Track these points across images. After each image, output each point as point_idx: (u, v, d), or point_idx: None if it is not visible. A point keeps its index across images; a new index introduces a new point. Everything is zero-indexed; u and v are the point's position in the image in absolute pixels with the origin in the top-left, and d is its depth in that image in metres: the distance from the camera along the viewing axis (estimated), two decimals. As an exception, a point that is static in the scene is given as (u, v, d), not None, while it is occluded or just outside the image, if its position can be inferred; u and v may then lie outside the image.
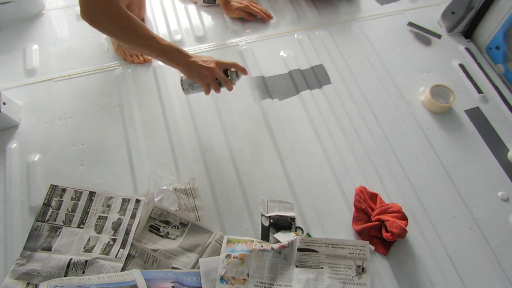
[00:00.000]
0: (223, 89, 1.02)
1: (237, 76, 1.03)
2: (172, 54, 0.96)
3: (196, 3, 1.48)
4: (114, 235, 0.98)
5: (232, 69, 1.02)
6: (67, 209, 1.01)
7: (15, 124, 1.15)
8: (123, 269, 0.93)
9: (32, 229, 0.98)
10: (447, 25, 1.49)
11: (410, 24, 1.48)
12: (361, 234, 1.03)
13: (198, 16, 1.45)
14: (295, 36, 1.43)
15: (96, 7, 0.87)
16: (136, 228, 0.99)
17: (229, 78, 1.01)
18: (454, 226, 1.07)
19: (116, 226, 1.00)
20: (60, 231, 0.98)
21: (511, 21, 1.31)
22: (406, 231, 1.00)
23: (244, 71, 1.03)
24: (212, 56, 1.01)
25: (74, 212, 1.01)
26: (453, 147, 1.21)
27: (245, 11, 1.43)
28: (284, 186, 1.10)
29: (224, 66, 1.00)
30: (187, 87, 1.03)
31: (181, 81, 1.03)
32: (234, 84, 1.03)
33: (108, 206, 1.03)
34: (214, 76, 0.98)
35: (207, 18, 1.45)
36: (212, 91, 1.02)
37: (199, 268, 0.93)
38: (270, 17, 1.48)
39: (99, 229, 0.99)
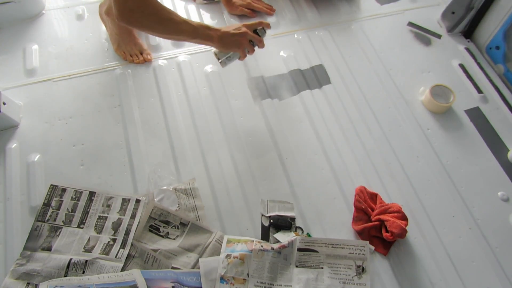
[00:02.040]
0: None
1: (265, 32, 1.08)
2: (205, 33, 0.99)
3: (195, 0, 1.48)
4: (114, 235, 0.98)
5: (259, 27, 1.06)
6: (67, 209, 1.01)
7: (15, 124, 1.15)
8: (123, 269, 0.93)
9: (32, 229, 0.98)
10: (447, 25, 1.49)
11: (410, 24, 1.48)
12: (361, 234, 1.03)
13: (197, 14, 1.45)
14: (295, 36, 1.43)
15: (134, 6, 0.89)
16: (136, 228, 0.99)
17: (260, 36, 1.06)
18: (454, 226, 1.07)
19: (116, 226, 1.00)
20: (60, 231, 0.98)
21: (511, 21, 1.31)
22: (406, 231, 1.00)
23: (268, 25, 1.08)
24: (236, 23, 1.07)
25: (74, 212, 1.01)
26: (453, 147, 1.21)
27: (248, 8, 1.44)
28: (284, 186, 1.10)
29: (252, 27, 1.05)
30: (224, 60, 1.07)
31: (216, 55, 1.06)
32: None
33: (108, 206, 1.03)
34: (248, 40, 1.03)
35: (207, 17, 1.46)
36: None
37: (199, 268, 0.93)
38: (273, 10, 1.49)
39: (99, 229, 0.99)
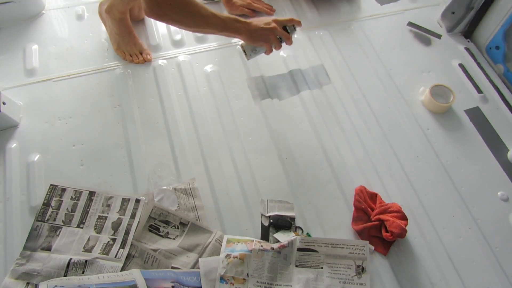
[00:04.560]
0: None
1: (294, 29, 1.06)
2: (233, 26, 0.98)
3: None
4: (114, 235, 0.98)
5: (289, 24, 1.05)
6: (67, 209, 1.01)
7: (15, 124, 1.15)
8: (123, 269, 0.93)
9: (32, 229, 0.98)
10: (447, 25, 1.49)
11: (410, 24, 1.48)
12: (361, 234, 1.03)
13: (198, 16, 1.45)
14: (295, 36, 1.42)
15: (162, 0, 0.89)
16: (136, 228, 0.99)
17: (289, 33, 1.04)
18: (454, 226, 1.07)
19: (116, 226, 1.00)
20: (60, 231, 0.98)
21: (511, 21, 1.31)
22: (406, 231, 1.00)
23: (299, 23, 1.06)
24: (267, 17, 1.05)
25: (74, 212, 1.01)
26: (453, 147, 1.21)
27: (248, 8, 1.44)
28: (284, 186, 1.10)
29: (282, 23, 1.03)
30: (250, 52, 1.06)
31: (243, 47, 1.06)
32: (293, 37, 1.06)
33: (108, 206, 1.03)
34: (276, 35, 1.02)
35: (207, 18, 1.46)
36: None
37: (199, 268, 0.93)
38: (273, 10, 1.49)
39: (98, 229, 0.99)
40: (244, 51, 1.06)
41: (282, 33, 1.02)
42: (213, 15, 0.96)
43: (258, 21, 1.01)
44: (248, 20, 1.00)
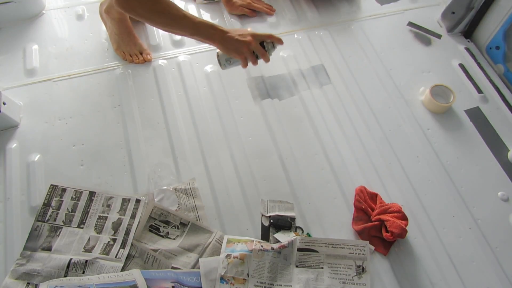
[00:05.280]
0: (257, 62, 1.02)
1: (274, 47, 1.01)
2: (207, 31, 0.95)
3: (195, 0, 1.48)
4: (114, 235, 0.98)
5: (268, 41, 1.00)
6: (67, 209, 1.01)
7: (15, 124, 1.14)
8: (123, 269, 0.93)
9: (32, 229, 0.98)
10: (447, 25, 1.49)
11: (410, 24, 1.48)
12: (361, 234, 1.03)
13: (197, 14, 1.45)
14: (295, 36, 1.43)
15: None
16: (136, 228, 0.99)
17: (265, 50, 1.00)
18: (454, 226, 1.07)
19: (116, 226, 1.00)
20: (60, 231, 0.98)
21: (511, 21, 1.31)
22: (406, 231, 1.00)
23: (280, 41, 1.01)
24: (247, 29, 1.00)
25: (74, 212, 1.01)
26: (453, 147, 1.21)
27: (248, 8, 1.44)
28: (284, 186, 1.10)
29: (260, 38, 0.99)
30: (224, 62, 1.03)
31: (218, 56, 1.02)
32: (271, 55, 1.02)
33: (108, 206, 1.03)
34: (251, 50, 0.98)
35: (207, 17, 1.46)
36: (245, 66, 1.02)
37: (199, 268, 0.93)
38: (273, 10, 1.49)
39: (99, 229, 0.99)
40: (219, 61, 1.02)
41: (257, 48, 0.97)
42: (184, 17, 0.93)
43: (234, 31, 0.97)
44: (225, 29, 0.97)
